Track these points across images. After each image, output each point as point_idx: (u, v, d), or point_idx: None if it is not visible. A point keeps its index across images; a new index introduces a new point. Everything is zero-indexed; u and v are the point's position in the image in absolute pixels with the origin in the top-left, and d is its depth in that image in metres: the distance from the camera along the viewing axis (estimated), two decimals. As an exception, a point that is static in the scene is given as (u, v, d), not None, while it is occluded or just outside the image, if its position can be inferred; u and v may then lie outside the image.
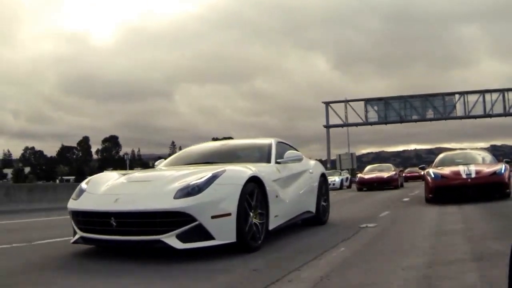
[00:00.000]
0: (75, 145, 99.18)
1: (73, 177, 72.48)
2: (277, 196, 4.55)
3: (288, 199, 4.90)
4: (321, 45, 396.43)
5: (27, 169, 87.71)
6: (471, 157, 10.16)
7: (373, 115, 40.98)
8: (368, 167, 21.52)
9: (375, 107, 40.89)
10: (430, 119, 40.42)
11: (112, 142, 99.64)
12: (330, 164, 40.33)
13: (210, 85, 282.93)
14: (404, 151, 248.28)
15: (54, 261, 3.76)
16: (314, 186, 5.86)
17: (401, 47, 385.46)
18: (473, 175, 8.55)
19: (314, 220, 5.83)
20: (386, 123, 41.21)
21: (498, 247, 3.68)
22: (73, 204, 4.05)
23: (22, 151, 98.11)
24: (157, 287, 2.91)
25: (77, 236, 3.96)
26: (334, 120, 41.68)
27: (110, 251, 4.09)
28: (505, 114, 38.33)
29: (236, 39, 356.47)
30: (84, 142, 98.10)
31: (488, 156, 10.18)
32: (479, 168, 8.87)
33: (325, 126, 41.91)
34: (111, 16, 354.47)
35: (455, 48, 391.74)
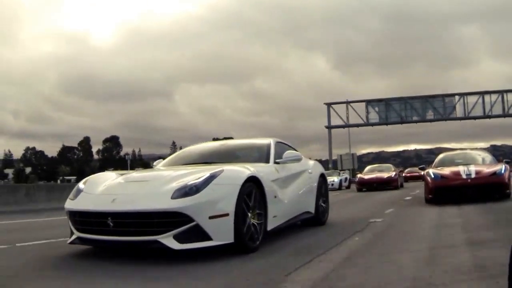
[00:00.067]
0: (75, 145, 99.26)
1: (74, 177, 72.47)
2: (275, 197, 4.53)
3: (287, 199, 4.88)
4: (321, 45, 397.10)
5: (28, 169, 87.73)
6: (471, 157, 10.12)
7: (374, 116, 41.28)
8: (367, 168, 21.48)
9: (376, 108, 41.16)
10: (430, 120, 40.80)
11: (113, 142, 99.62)
12: (332, 164, 40.51)
13: (210, 85, 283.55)
14: (404, 151, 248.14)
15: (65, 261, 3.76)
16: (313, 187, 5.84)
17: (401, 47, 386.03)
18: (473, 176, 8.52)
19: (313, 220, 5.81)
20: (387, 124, 41.44)
21: (490, 235, 4.56)
22: (70, 204, 4.04)
23: (23, 152, 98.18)
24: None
25: (74, 237, 3.94)
26: (335, 121, 41.94)
27: (108, 251, 4.07)
28: (504, 115, 38.61)
29: (236, 39, 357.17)
30: (85, 142, 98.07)
31: (488, 157, 10.15)
32: (479, 168, 8.84)
33: (327, 127, 42.19)
34: (111, 16, 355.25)
35: (455, 48, 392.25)
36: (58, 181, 71.87)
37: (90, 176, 4.56)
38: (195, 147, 6.10)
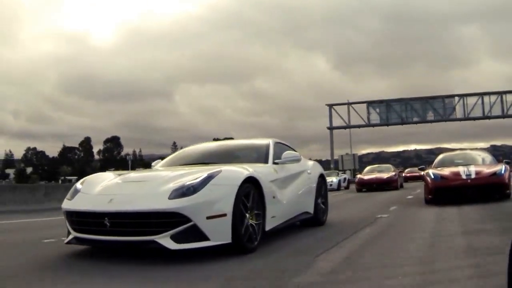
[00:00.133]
0: (76, 145, 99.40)
1: (75, 177, 72.53)
2: (274, 197, 4.52)
3: (286, 199, 4.87)
4: (321, 45, 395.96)
5: (29, 170, 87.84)
6: (471, 157, 10.10)
7: (375, 117, 41.47)
8: (367, 168, 21.45)
9: (377, 109, 41.36)
10: (431, 121, 41.05)
11: (114, 142, 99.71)
12: (334, 165, 40.64)
13: (210, 85, 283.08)
14: (404, 151, 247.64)
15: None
16: (312, 187, 5.83)
17: (401, 47, 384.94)
18: (473, 176, 8.50)
19: (312, 221, 5.80)
20: (387, 125, 41.59)
21: (484, 226, 5.20)
22: (67, 204, 4.03)
23: (24, 152, 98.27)
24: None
25: (71, 237, 3.94)
26: (336, 121, 42.12)
27: (105, 252, 4.07)
28: (503, 116, 38.79)
29: (236, 39, 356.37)
30: (86, 143, 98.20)
31: (488, 157, 10.12)
32: (479, 168, 8.82)
33: (328, 128, 42.35)
34: (111, 16, 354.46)
35: (455, 48, 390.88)
36: (60, 181, 71.92)
37: (87, 177, 4.55)
38: (194, 147, 6.09)
